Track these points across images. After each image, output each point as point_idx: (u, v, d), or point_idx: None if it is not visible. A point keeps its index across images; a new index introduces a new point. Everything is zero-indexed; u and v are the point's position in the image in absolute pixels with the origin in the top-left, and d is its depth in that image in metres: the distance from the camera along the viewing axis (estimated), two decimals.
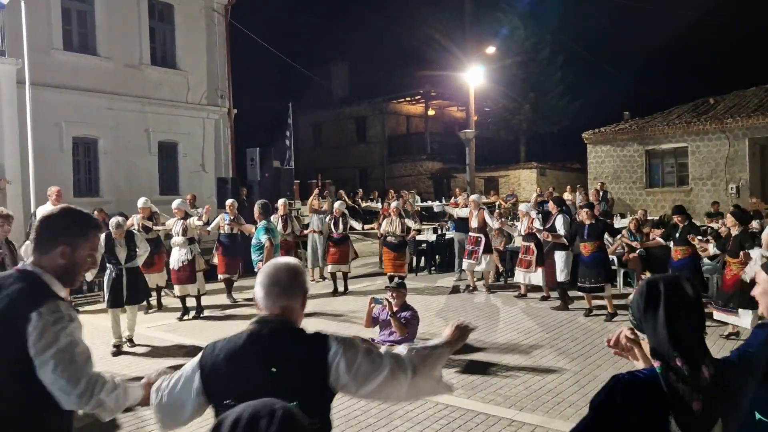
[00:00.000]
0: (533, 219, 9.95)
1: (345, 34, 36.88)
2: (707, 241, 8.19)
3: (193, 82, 16.49)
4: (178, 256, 9.21)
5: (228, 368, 1.95)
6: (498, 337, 7.75)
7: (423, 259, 13.75)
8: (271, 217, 9.51)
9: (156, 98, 15.53)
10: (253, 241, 7.58)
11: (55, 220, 2.26)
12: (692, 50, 30.38)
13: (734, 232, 7.38)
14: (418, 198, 11.92)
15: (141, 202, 9.82)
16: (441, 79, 28.05)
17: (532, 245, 9.84)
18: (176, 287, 9.25)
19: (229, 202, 10.37)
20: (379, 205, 13.80)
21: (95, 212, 10.77)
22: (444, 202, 16.17)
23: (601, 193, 17.19)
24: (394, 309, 6.34)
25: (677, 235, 8.35)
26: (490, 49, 23.77)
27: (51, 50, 13.48)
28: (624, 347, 1.98)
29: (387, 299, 6.33)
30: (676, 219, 8.48)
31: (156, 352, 7.40)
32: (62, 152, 13.70)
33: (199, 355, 2.06)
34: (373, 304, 6.32)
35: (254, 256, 8.31)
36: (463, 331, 2.33)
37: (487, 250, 10.62)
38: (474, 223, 10.63)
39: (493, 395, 5.67)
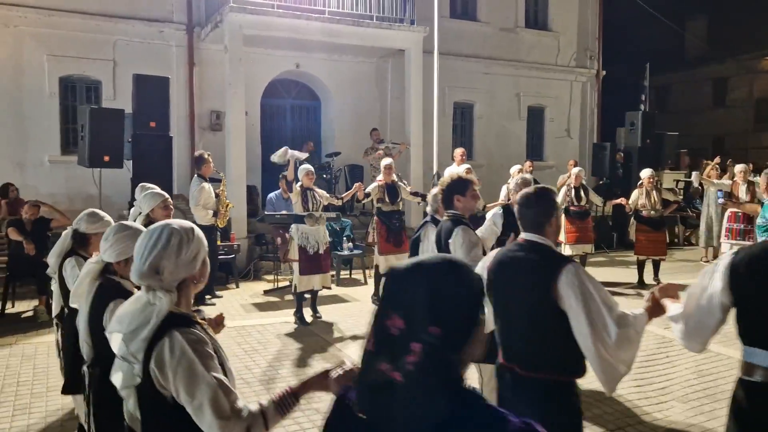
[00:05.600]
0: None
1: None
2: None
3: (563, 43, 15.86)
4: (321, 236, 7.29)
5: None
6: None
7: None
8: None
9: (527, 61, 15.32)
10: (759, 221, 6.33)
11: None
12: None
13: None
14: None
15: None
16: None
17: None
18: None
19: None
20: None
21: (465, 171, 10.56)
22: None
23: None
24: None
25: None
26: None
27: (440, 18, 14.06)
28: None
29: None
30: None
31: None
32: (444, 116, 14.35)
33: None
34: None
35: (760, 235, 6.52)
36: None
37: None
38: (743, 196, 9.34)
39: None
